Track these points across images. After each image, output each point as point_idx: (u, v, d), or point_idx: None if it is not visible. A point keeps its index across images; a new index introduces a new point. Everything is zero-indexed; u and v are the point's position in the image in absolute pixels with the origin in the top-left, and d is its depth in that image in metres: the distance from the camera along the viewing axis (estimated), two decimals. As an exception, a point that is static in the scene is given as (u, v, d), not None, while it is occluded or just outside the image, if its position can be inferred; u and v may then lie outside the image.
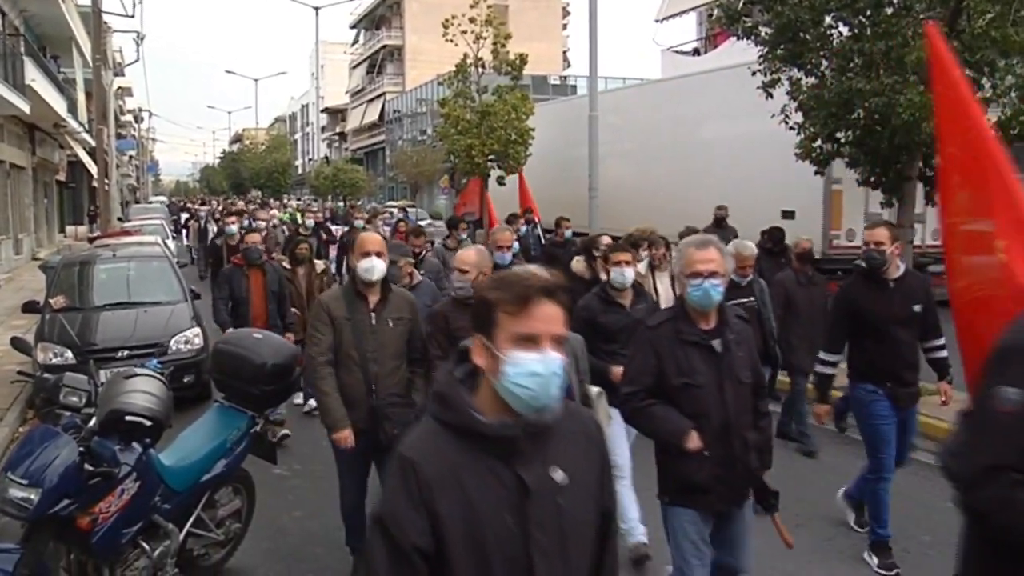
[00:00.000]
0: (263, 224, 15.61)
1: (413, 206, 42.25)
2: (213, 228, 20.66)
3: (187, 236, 25.77)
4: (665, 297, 7.53)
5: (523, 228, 11.89)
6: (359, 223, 14.24)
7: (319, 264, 10.03)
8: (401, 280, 6.35)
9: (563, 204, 17.39)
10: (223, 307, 8.63)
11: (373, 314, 5.15)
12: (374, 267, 5.13)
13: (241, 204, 32.36)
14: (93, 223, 34.27)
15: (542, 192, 21.31)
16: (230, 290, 8.64)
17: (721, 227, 12.95)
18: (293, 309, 9.08)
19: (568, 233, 12.25)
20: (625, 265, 5.81)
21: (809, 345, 7.64)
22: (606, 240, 7.64)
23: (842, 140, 10.56)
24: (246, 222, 15.23)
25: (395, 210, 30.26)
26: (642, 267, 7.57)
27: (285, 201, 49.75)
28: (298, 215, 22.13)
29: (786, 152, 11.48)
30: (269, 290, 8.64)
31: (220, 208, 29.26)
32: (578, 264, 8.05)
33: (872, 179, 10.73)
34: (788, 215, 14.25)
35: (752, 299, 7.62)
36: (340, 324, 5.12)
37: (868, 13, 9.90)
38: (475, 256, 5.23)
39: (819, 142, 10.87)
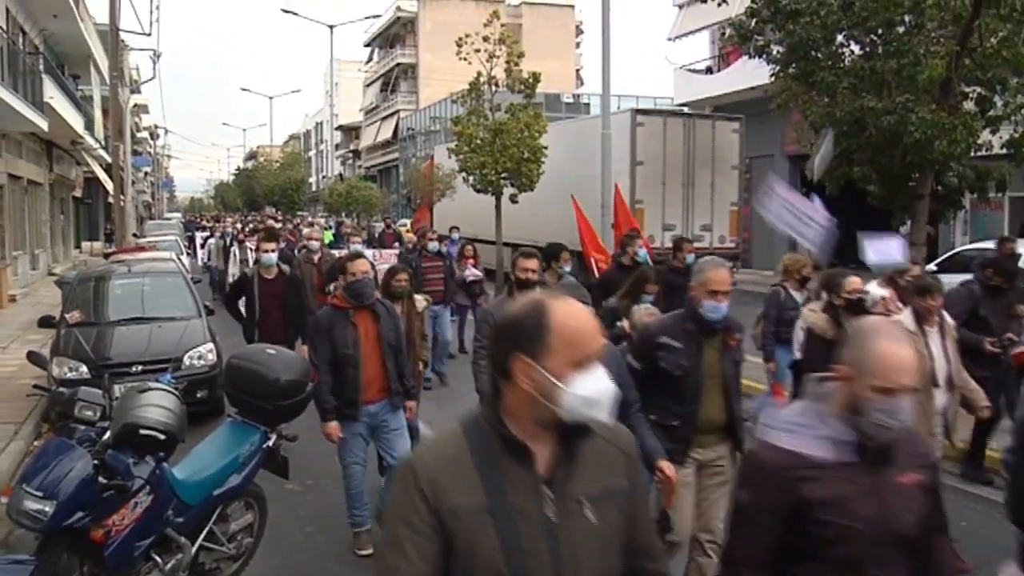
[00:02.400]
0: (316, 244, 13.08)
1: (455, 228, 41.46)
2: (235, 250, 19.07)
3: (207, 256, 23.86)
4: (941, 364, 5.95)
5: (641, 252, 9.99)
6: (356, 246, 13.94)
7: (420, 301, 7.92)
8: None
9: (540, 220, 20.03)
10: (326, 377, 6.03)
11: None
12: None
13: (274, 223, 28.09)
14: (110, 241, 34.48)
15: (524, 210, 23.51)
16: (331, 346, 6.04)
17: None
18: None
19: (690, 258, 9.73)
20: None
21: None
22: (854, 283, 6.23)
23: (855, 159, 10.57)
24: (283, 246, 13.90)
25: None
26: (907, 320, 5.91)
27: (313, 218, 48.88)
28: (328, 234, 20.67)
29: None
30: (385, 343, 6.19)
31: (241, 227, 27.67)
32: (815, 316, 6.33)
33: (884, 197, 10.73)
34: (614, 226, 17.40)
35: None
36: None
37: (880, 32, 9.94)
38: None
39: (832, 163, 10.88)
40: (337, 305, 6.20)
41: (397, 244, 21.13)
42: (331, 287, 9.82)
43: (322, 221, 39.87)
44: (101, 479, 4.40)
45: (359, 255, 6.18)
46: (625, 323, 6.50)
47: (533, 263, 5.92)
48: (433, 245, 12.59)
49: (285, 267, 9.06)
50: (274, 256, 9.23)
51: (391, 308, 6.43)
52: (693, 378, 4.65)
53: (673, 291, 8.85)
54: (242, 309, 9.47)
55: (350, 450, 6.23)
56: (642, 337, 5.05)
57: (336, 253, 16.74)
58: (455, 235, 18.66)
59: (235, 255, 18.52)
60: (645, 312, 5.98)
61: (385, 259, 15.33)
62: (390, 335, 6.19)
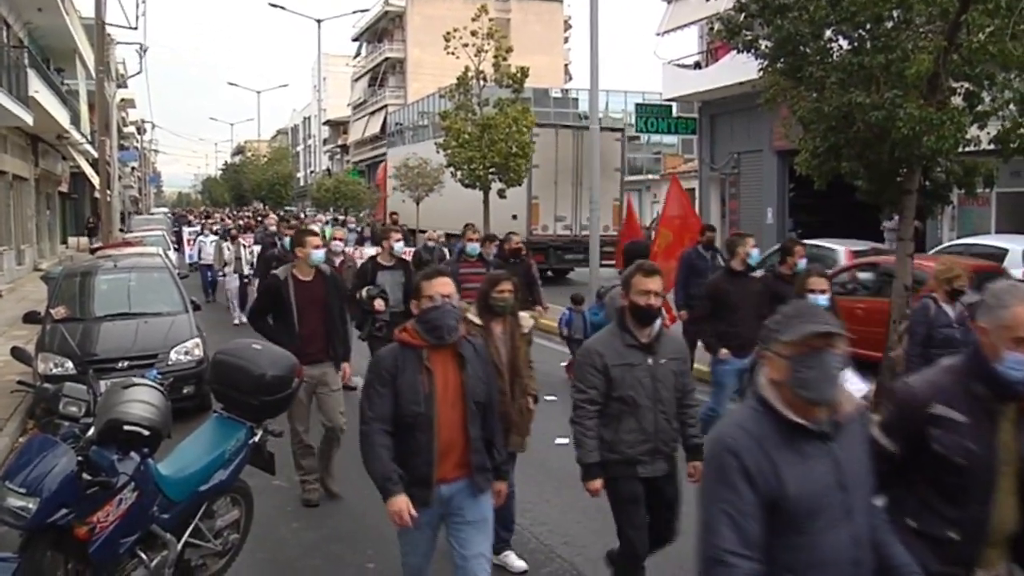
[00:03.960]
0: (340, 245, 12.28)
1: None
2: (229, 247, 18.14)
3: (197, 253, 22.52)
4: None
5: (753, 254, 8.62)
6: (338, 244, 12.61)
7: (526, 319, 5.94)
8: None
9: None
10: (382, 440, 4.24)
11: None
12: None
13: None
14: (92, 236, 34.31)
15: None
16: (395, 399, 4.24)
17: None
18: None
19: (801, 264, 8.38)
20: None
21: None
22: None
23: (843, 154, 10.58)
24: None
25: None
26: None
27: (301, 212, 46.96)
28: (328, 231, 19.32)
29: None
30: (470, 399, 4.34)
31: (233, 222, 25.98)
32: None
33: (872, 192, 10.74)
34: (514, 217, 24.28)
35: None
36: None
37: (868, 27, 9.91)
38: None
39: (820, 158, 10.89)
40: (407, 341, 4.31)
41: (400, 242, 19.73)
42: (365, 293, 8.90)
43: (324, 218, 36.02)
44: (85, 476, 4.36)
45: (440, 272, 4.49)
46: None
47: (656, 283, 4.68)
48: (473, 247, 10.37)
49: (324, 266, 7.42)
50: (321, 254, 7.43)
51: (481, 349, 4.57)
52: (984, 467, 3.07)
53: (782, 302, 7.81)
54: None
55: (413, 544, 4.47)
56: (903, 404, 3.25)
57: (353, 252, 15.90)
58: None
59: (228, 251, 17.99)
60: None
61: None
62: (478, 388, 4.35)
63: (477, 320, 5.50)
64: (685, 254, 11.28)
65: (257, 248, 17.02)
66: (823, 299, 5.95)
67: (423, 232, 22.26)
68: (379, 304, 8.88)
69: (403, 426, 4.22)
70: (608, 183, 25.13)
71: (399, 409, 4.21)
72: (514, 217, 24.54)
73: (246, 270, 17.13)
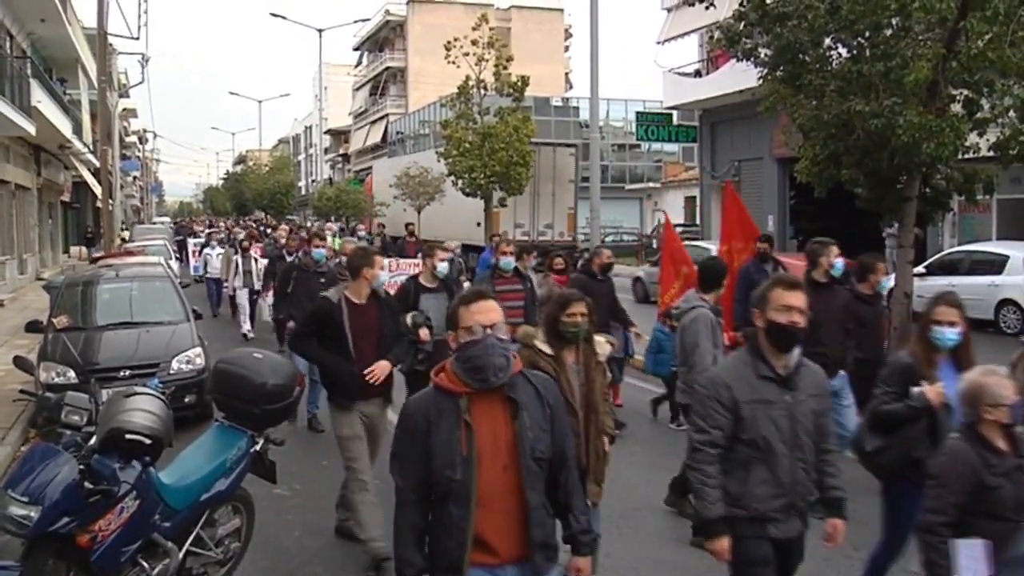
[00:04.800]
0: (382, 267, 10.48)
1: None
2: (238, 260, 16.92)
3: (203, 266, 21.00)
4: None
5: (838, 264, 7.46)
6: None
7: (602, 345, 5.26)
8: None
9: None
10: (412, 521, 3.38)
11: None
12: None
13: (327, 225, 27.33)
14: (91, 246, 34.34)
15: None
16: (426, 460, 3.33)
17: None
18: None
19: (887, 282, 7.68)
20: None
21: None
22: None
23: (843, 161, 10.60)
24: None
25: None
26: None
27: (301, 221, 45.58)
28: (338, 242, 18.19)
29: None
30: (526, 457, 3.38)
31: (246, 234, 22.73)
32: None
33: (872, 200, 10.76)
34: (478, 224, 27.03)
35: None
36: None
37: (867, 35, 9.96)
38: None
39: (820, 165, 10.92)
40: (443, 386, 3.36)
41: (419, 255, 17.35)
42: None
43: (332, 227, 33.11)
44: (87, 484, 4.38)
45: (482, 295, 3.47)
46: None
47: (799, 298, 3.96)
48: (507, 261, 8.91)
49: (380, 289, 6.54)
50: (385, 276, 6.72)
51: (548, 386, 3.53)
52: None
53: (863, 326, 7.29)
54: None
55: None
56: None
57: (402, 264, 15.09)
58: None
59: (238, 265, 16.80)
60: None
61: (403, 270, 14.43)
62: (539, 440, 3.34)
63: (547, 349, 4.83)
64: (744, 268, 10.18)
65: (266, 262, 15.90)
66: (952, 334, 4.79)
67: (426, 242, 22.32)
68: (424, 333, 7.70)
69: (436, 495, 3.30)
70: (563, 193, 28.79)
71: (431, 474, 3.26)
72: (478, 224, 27.28)
73: (256, 284, 16.30)
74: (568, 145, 30.98)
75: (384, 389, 6.28)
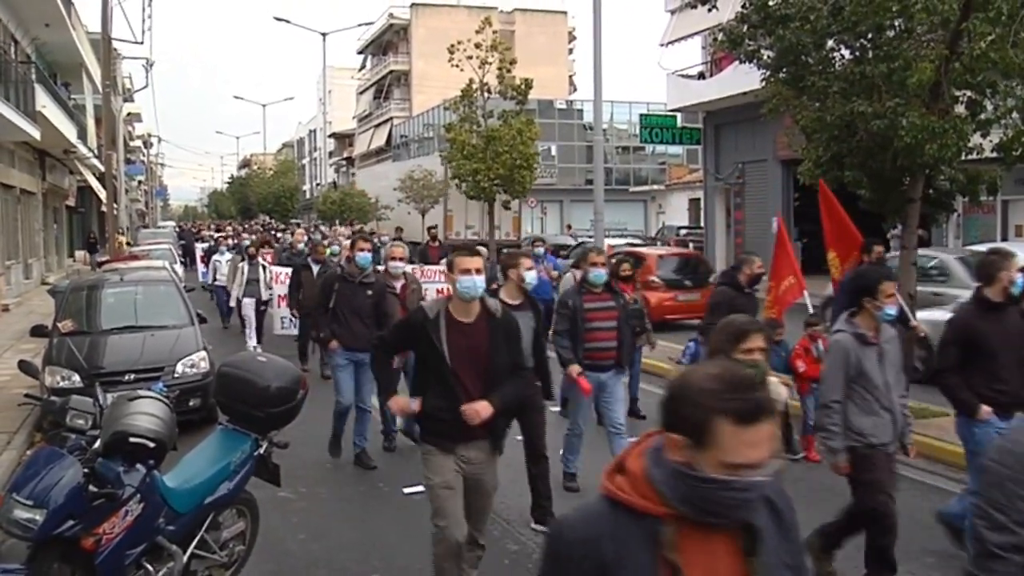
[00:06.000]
0: (400, 266, 9.23)
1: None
2: (244, 267, 15.65)
3: (212, 274, 19.50)
4: None
5: (1020, 280, 5.99)
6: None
7: (777, 387, 4.52)
8: None
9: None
10: None
11: None
12: None
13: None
14: (93, 251, 34.43)
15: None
16: None
17: None
18: None
19: (1021, 281, 5.92)
20: None
21: None
22: None
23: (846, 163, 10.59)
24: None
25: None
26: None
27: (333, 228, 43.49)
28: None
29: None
30: None
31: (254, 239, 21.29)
32: None
33: (876, 201, 10.75)
34: (435, 226, 26.03)
35: None
36: None
37: (870, 36, 9.96)
38: None
39: (823, 167, 10.91)
40: (629, 503, 2.06)
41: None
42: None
43: (344, 231, 31.69)
44: (91, 487, 4.39)
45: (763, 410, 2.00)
46: None
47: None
48: (599, 274, 7.34)
49: (494, 303, 5.15)
50: (480, 281, 4.94)
51: (778, 493, 2.21)
52: None
53: (1005, 341, 5.68)
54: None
55: None
56: None
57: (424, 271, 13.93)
58: (539, 248, 14.35)
59: (243, 272, 15.54)
60: None
61: (429, 277, 13.95)
62: None
63: None
64: (847, 278, 8.65)
65: (280, 270, 14.90)
66: None
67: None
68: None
69: None
70: (476, 200, 31.38)
71: None
72: (435, 226, 29.03)
73: (264, 294, 15.16)
74: None
75: (494, 431, 5.01)
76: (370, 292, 8.61)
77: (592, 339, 7.17)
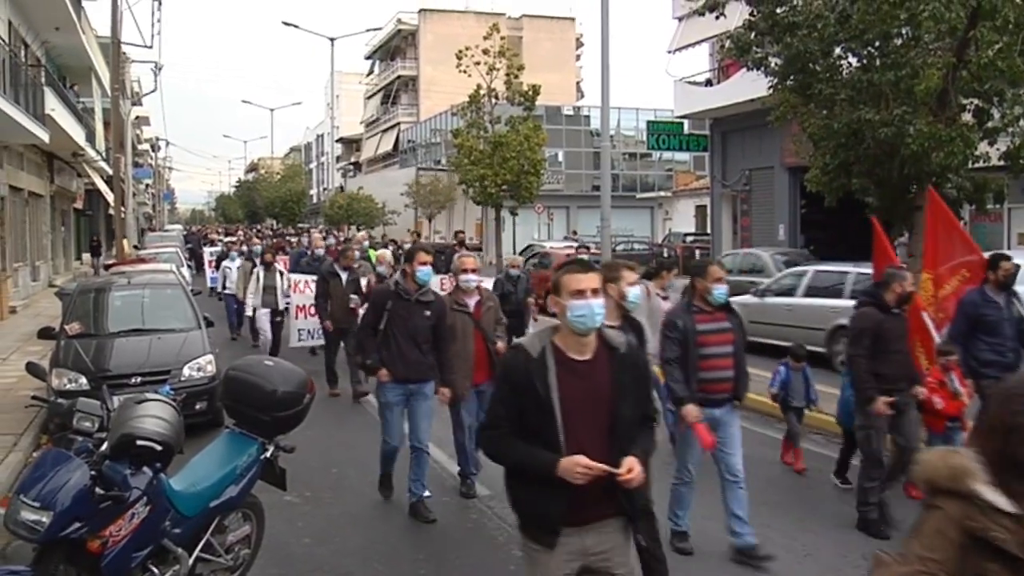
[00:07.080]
0: (473, 280, 7.67)
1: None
2: (260, 272, 14.72)
3: (222, 280, 18.88)
4: None
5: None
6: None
7: None
8: None
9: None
10: None
11: None
12: None
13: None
14: (96, 255, 34.43)
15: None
16: None
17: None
18: None
19: None
20: None
21: None
22: None
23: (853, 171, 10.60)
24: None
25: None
26: None
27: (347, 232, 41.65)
28: (373, 253, 16.15)
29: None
30: None
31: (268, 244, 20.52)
32: None
33: (883, 209, 10.75)
34: (409, 230, 29.80)
35: None
36: None
37: (877, 44, 9.98)
38: None
39: (830, 174, 10.92)
40: None
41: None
42: None
43: (361, 236, 28.69)
44: (98, 490, 4.40)
45: None
46: None
47: None
48: (721, 292, 6.13)
49: (617, 335, 3.69)
50: (600, 307, 3.52)
51: None
52: None
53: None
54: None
55: None
56: None
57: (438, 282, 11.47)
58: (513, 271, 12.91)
59: (259, 279, 14.64)
60: None
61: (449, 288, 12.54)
62: None
63: (1004, 503, 2.15)
64: (966, 298, 8.01)
65: (299, 277, 13.86)
66: None
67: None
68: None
69: None
70: (471, 204, 31.43)
71: None
72: (408, 230, 31.64)
73: (281, 303, 14.29)
74: None
75: (632, 503, 3.57)
76: (428, 312, 7.20)
77: (706, 368, 6.03)
